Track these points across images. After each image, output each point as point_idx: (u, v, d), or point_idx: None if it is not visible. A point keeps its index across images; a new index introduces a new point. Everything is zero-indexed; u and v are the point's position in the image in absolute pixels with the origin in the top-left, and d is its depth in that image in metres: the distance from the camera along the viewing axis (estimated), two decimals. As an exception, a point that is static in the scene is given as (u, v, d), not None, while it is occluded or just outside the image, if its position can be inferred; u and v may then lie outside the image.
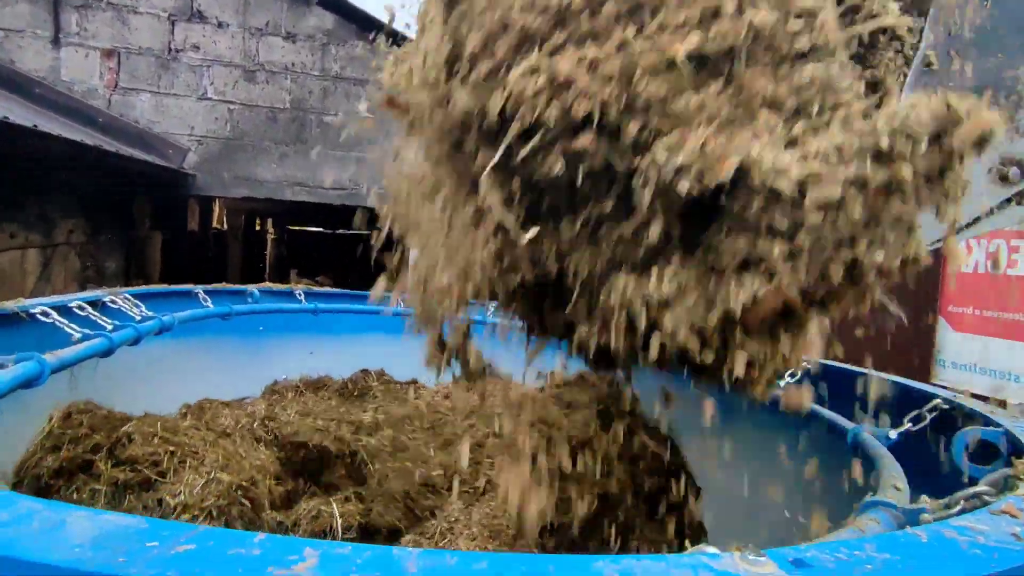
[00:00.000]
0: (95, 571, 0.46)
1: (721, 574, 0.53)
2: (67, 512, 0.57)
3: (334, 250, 23.63)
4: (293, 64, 7.43)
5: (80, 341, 2.14)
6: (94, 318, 2.46)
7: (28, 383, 1.75)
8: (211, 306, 3.41)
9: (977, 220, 1.14)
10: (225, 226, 13.03)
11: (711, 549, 0.59)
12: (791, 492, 1.99)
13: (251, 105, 7.33)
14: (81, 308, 2.48)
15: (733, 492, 2.25)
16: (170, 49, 7.02)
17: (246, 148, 7.32)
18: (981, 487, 0.96)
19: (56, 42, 6.64)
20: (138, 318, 2.70)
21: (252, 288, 3.89)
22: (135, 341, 2.46)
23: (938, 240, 1.08)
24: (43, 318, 2.27)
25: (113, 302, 2.77)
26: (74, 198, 5.55)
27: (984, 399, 1.95)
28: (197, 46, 7.10)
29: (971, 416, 1.42)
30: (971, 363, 6.88)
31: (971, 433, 1.29)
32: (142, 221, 7.25)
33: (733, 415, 2.61)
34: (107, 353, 2.19)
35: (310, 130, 7.51)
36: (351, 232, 22.61)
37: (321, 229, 23.22)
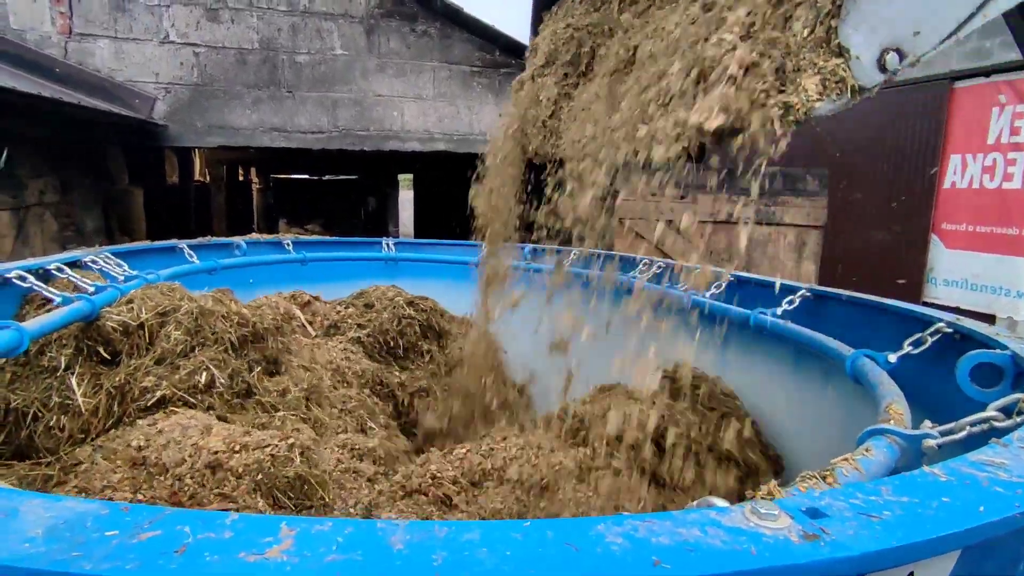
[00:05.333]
0: (46, 569, 0.42)
1: (732, 531, 0.49)
2: (21, 500, 0.52)
3: (323, 197, 23.16)
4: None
5: (60, 305, 2.06)
6: (74, 279, 2.38)
7: (7, 352, 1.69)
8: (197, 261, 3.32)
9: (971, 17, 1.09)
10: (207, 178, 12.67)
11: (719, 502, 0.55)
12: (795, 421, 2.00)
13: (217, 47, 6.92)
14: (60, 270, 2.40)
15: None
16: (124, -12, 6.54)
17: (217, 94, 6.97)
18: (990, 412, 0.93)
19: (-1, -14, 6.17)
20: (121, 278, 2.62)
21: (239, 240, 3.79)
22: (118, 302, 2.38)
23: (943, 39, 1.09)
24: (19, 282, 2.19)
25: (94, 262, 2.68)
26: (41, 155, 5.30)
27: (977, 316, 1.93)
28: (153, -17, 6.62)
29: (973, 339, 1.39)
30: (963, 279, 6.89)
31: (977, 356, 1.26)
32: (119, 176, 6.99)
33: (731, 347, 2.61)
34: (89, 317, 2.12)
35: (282, 72, 7.14)
36: (339, 178, 22.09)
37: (308, 176, 22.64)
